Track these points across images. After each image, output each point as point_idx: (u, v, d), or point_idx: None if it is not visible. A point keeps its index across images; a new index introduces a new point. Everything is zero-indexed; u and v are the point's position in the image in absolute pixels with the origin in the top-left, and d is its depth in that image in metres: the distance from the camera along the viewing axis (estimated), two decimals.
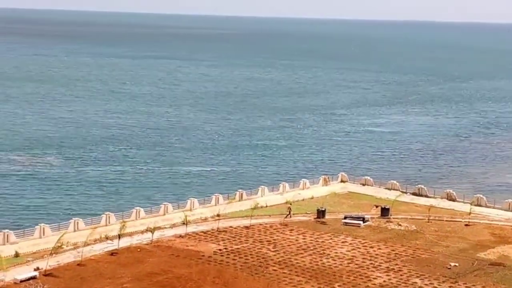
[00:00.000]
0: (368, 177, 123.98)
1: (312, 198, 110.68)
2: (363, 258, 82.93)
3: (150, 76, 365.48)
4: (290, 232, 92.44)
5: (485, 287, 75.44)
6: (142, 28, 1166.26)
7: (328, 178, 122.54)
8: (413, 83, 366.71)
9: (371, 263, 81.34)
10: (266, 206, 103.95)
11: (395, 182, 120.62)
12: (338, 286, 74.25)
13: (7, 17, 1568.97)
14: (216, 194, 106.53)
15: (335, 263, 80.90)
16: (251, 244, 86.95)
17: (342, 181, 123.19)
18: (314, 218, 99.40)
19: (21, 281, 72.08)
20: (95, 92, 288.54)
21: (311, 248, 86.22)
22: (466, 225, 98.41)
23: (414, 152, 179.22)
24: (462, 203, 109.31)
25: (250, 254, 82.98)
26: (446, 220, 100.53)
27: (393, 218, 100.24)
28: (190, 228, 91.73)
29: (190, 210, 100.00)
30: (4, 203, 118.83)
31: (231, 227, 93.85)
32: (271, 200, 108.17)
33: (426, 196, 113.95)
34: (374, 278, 76.62)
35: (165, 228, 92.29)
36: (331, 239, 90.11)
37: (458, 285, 75.59)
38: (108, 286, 72.33)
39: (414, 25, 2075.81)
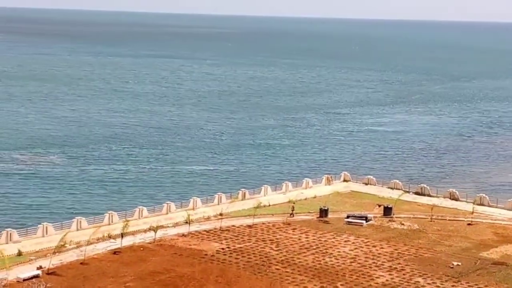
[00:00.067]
0: (371, 177, 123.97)
1: (315, 197, 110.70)
2: (366, 257, 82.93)
3: (153, 75, 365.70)
4: (293, 231, 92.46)
5: (487, 286, 75.37)
6: (141, 27, 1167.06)
7: (331, 177, 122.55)
8: (416, 83, 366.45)
9: (374, 262, 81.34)
10: (269, 205, 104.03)
11: (398, 181, 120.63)
12: (341, 285, 74.26)
13: (7, 16, 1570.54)
14: (219, 193, 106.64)
15: (337, 262, 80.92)
16: (254, 243, 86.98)
17: (345, 180, 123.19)
18: (317, 217, 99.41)
19: (24, 279, 72.20)
20: (97, 91, 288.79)
21: (314, 247, 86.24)
22: (469, 224, 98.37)
23: (417, 152, 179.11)
24: (465, 203, 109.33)
25: (253, 253, 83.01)
26: (449, 220, 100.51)
27: (396, 217, 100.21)
28: (193, 227, 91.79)
29: (193, 209, 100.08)
30: (7, 202, 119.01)
31: (234, 226, 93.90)
32: (274, 199, 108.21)
33: (429, 196, 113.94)
34: (376, 277, 76.62)
35: (168, 227, 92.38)
36: (333, 238, 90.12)
37: (461, 284, 75.55)
38: (111, 285, 72.40)
39: (415, 24, 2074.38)
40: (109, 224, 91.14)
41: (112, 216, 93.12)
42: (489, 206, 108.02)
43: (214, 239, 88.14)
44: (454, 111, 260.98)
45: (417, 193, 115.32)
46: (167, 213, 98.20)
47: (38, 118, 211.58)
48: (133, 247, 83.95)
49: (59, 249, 78.81)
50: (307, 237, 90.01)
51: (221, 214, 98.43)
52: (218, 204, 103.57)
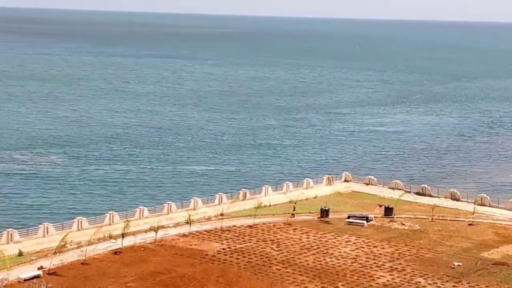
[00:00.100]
0: (372, 177, 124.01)
1: (315, 197, 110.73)
2: (367, 258, 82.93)
3: (154, 75, 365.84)
4: (294, 232, 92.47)
5: (488, 286, 75.36)
6: (142, 27, 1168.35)
7: (332, 177, 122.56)
8: (416, 83, 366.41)
9: (375, 263, 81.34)
10: (270, 206, 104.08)
11: (398, 181, 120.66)
12: (342, 285, 74.25)
13: (7, 16, 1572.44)
14: (219, 194, 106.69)
15: (338, 263, 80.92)
16: (254, 243, 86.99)
17: (345, 180, 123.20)
18: (318, 218, 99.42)
19: (25, 280, 72.28)
20: (98, 91, 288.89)
21: (315, 247, 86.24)
22: (469, 224, 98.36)
23: (418, 152, 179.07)
24: (466, 203, 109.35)
25: (254, 253, 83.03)
26: (450, 220, 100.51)
27: (397, 217, 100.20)
28: (194, 227, 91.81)
29: (194, 209, 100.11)
30: (8, 202, 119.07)
31: (234, 226, 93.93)
32: (275, 199, 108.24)
33: (430, 196, 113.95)
34: (377, 278, 76.62)
35: (169, 227, 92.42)
36: (334, 238, 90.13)
37: (462, 284, 75.55)
38: (112, 285, 72.42)
39: (415, 24, 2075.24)
40: (110, 224, 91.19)
41: (113, 216, 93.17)
42: (490, 206, 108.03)
43: (215, 239, 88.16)
44: (455, 111, 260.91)
45: (418, 193, 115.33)
46: (168, 213, 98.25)
47: (39, 118, 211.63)
48: (134, 247, 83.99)
49: (60, 249, 78.84)
50: (308, 237, 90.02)
51: (222, 214, 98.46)
52: (219, 204, 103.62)
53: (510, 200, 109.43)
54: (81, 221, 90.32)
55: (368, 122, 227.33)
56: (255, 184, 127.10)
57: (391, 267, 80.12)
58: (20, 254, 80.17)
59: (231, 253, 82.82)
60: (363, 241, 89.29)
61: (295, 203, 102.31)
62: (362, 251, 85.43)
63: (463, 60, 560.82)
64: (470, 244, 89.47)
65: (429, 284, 75.42)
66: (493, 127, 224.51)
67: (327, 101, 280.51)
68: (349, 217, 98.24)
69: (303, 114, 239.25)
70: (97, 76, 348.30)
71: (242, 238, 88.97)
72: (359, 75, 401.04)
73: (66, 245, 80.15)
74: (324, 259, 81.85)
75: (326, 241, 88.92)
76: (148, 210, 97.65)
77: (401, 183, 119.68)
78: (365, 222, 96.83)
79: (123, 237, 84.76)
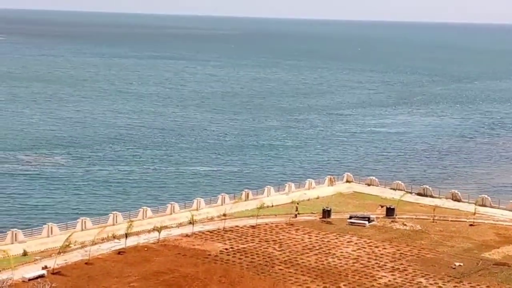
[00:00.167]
0: (374, 177, 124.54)
1: (317, 198, 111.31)
2: (368, 258, 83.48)
3: (157, 76, 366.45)
4: (296, 232, 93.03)
5: (489, 287, 75.89)
6: (145, 28, 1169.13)
7: (334, 178, 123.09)
8: (418, 84, 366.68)
9: (376, 263, 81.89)
10: (272, 206, 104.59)
11: (400, 182, 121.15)
12: (344, 285, 74.83)
13: (12, 18, 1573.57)
14: (222, 194, 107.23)
15: (340, 263, 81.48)
16: (257, 243, 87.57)
17: (347, 181, 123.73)
18: (320, 218, 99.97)
19: (30, 279, 72.86)
20: (102, 92, 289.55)
21: (317, 247, 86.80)
22: (471, 225, 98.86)
23: (419, 153, 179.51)
24: (467, 203, 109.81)
25: (256, 254, 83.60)
26: (451, 220, 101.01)
27: (398, 218, 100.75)
28: (197, 228, 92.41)
29: (197, 209, 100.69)
30: (12, 203, 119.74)
31: (237, 226, 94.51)
32: (277, 200, 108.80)
33: (431, 196, 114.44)
34: (379, 278, 77.17)
35: (172, 227, 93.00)
36: (336, 238, 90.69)
37: (463, 284, 76.06)
38: (115, 284, 73.03)
39: (415, 25, 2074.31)
40: (113, 225, 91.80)
41: (116, 216, 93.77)
42: (491, 207, 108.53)
43: (218, 239, 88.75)
44: (456, 112, 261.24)
45: (419, 194, 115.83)
46: (171, 214, 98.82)
47: (43, 119, 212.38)
48: (137, 247, 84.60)
49: (64, 249, 79.41)
50: (310, 238, 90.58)
51: (224, 215, 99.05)
52: (222, 204, 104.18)
53: (511, 201, 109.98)
54: (85, 221, 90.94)
55: (369, 123, 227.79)
56: (258, 184, 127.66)
57: (393, 267, 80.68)
58: (25, 254, 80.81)
59: (234, 253, 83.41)
60: (364, 241, 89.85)
61: (297, 204, 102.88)
62: (364, 251, 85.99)
63: (464, 61, 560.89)
64: (471, 244, 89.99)
65: (431, 284, 75.97)
66: (494, 128, 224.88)
67: (329, 102, 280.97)
68: (351, 218, 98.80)
69: (305, 115, 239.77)
70: (101, 77, 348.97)
71: (245, 238, 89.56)
72: (360, 76, 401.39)
73: (70, 245, 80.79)
74: (326, 259, 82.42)
75: (328, 241, 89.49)
76: (151, 211, 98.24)
77: (402, 184, 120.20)
78: (366, 222, 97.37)
79: (126, 237, 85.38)
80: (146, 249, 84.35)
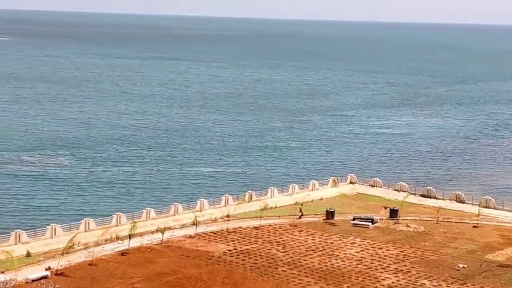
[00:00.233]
0: (377, 179, 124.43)
1: (321, 199, 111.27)
2: (372, 259, 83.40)
3: (160, 77, 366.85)
4: (299, 233, 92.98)
5: None
6: (148, 29, 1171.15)
7: (337, 179, 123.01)
8: (422, 85, 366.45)
9: (380, 264, 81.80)
10: (276, 207, 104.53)
11: (404, 183, 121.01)
12: (347, 287, 74.74)
13: (15, 18, 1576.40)
14: (225, 195, 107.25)
15: (344, 264, 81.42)
16: (260, 244, 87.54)
17: (351, 182, 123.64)
18: (323, 219, 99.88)
19: (33, 280, 72.93)
20: (105, 93, 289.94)
21: (320, 249, 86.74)
22: (474, 226, 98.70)
23: (423, 154, 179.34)
24: (471, 205, 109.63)
25: (260, 255, 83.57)
26: (455, 222, 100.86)
27: (402, 219, 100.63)
28: (200, 229, 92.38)
29: (200, 210, 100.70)
30: (16, 203, 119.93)
31: (240, 227, 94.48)
32: (281, 201, 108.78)
33: (435, 198, 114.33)
34: (382, 279, 77.07)
35: (175, 228, 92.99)
36: (340, 240, 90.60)
37: (467, 286, 75.97)
38: (119, 286, 73.05)
39: (418, 26, 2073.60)
40: (117, 226, 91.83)
41: (120, 217, 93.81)
42: (495, 208, 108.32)
43: (221, 240, 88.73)
44: (460, 113, 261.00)
45: (423, 196, 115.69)
46: (174, 215, 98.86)
47: (47, 120, 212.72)
48: (140, 248, 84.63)
49: (68, 250, 79.42)
50: (313, 239, 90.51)
51: (228, 216, 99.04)
52: (225, 205, 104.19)
53: None
54: (88, 222, 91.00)
55: (373, 124, 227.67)
56: (261, 185, 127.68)
57: (396, 269, 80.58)
58: (28, 255, 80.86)
59: (237, 255, 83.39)
60: (368, 243, 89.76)
61: (301, 205, 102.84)
62: (367, 252, 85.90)
63: (467, 62, 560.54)
64: (475, 246, 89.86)
65: (434, 286, 75.86)
66: (498, 129, 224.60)
67: (333, 103, 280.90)
68: (354, 219, 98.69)
69: (308, 116, 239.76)
70: (104, 78, 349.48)
71: (248, 239, 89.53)
72: (364, 77, 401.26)
73: (74, 246, 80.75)
74: (330, 261, 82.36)
75: (331, 242, 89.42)
76: (155, 212, 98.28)
77: (406, 185, 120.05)
78: (370, 224, 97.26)
79: (130, 238, 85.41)
80: (149, 250, 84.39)
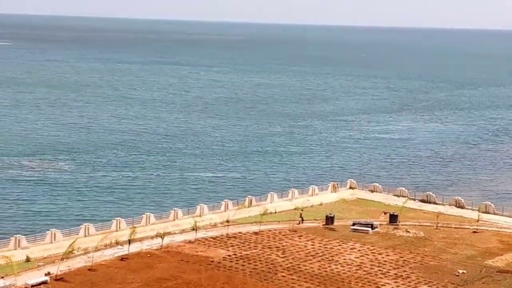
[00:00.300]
0: (377, 184, 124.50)
1: (321, 204, 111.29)
2: (372, 265, 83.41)
3: (160, 82, 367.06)
4: (299, 238, 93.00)
5: None
6: (148, 34, 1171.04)
7: (337, 184, 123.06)
8: (422, 90, 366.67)
9: (380, 270, 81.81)
10: (275, 212, 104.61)
11: (403, 189, 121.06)
12: None
13: (17, 23, 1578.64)
14: (225, 200, 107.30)
15: (343, 270, 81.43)
16: (260, 250, 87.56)
17: (351, 187, 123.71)
18: (323, 225, 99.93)
19: (32, 286, 72.94)
20: (106, 97, 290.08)
21: (320, 254, 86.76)
22: (474, 232, 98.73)
23: (422, 159, 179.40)
24: (471, 210, 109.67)
25: (259, 260, 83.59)
26: (455, 227, 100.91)
27: (402, 225, 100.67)
28: (200, 234, 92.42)
29: (200, 216, 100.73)
30: (15, 208, 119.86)
31: (240, 233, 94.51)
32: (280, 206, 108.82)
33: (435, 203, 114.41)
34: (382, 285, 77.10)
35: (175, 233, 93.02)
36: (339, 245, 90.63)
37: None
38: None
39: (418, 31, 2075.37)
40: (116, 231, 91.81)
41: (119, 222, 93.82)
42: (495, 214, 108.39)
43: (221, 246, 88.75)
44: (460, 118, 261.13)
45: (422, 201, 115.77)
46: (174, 220, 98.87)
47: (47, 125, 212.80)
48: (140, 254, 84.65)
49: (67, 255, 79.45)
50: (313, 244, 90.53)
51: (227, 221, 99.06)
52: (225, 211, 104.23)
53: None
54: (88, 227, 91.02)
55: (373, 129, 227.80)
56: (261, 191, 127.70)
57: (396, 274, 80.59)
58: (28, 260, 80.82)
59: (237, 260, 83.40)
60: (368, 248, 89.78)
61: (301, 210, 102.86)
62: (367, 258, 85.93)
63: (467, 67, 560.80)
64: (475, 251, 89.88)
65: None
66: (498, 135, 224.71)
67: (332, 108, 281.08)
68: (354, 224, 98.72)
69: (308, 121, 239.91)
70: (104, 83, 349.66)
71: (248, 244, 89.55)
72: (364, 82, 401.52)
73: (73, 251, 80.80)
74: (329, 266, 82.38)
75: (331, 248, 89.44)
76: (155, 217, 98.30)
77: (406, 190, 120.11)
78: (370, 229, 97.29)
79: (129, 243, 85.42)
80: (149, 255, 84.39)
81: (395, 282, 78.12)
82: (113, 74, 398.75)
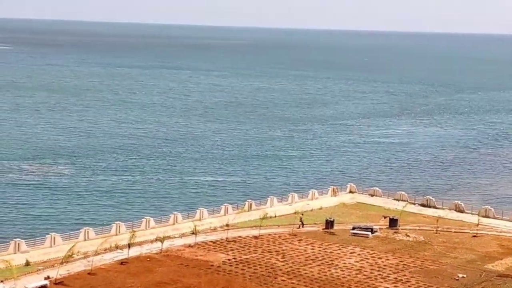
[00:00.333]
0: (377, 188, 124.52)
1: (321, 208, 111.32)
2: (371, 269, 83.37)
3: (160, 86, 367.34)
4: (299, 242, 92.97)
5: None
6: (149, 38, 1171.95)
7: (337, 188, 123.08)
8: (421, 94, 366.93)
9: (379, 274, 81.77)
10: (275, 216, 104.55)
11: (403, 193, 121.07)
12: None
13: (16, 27, 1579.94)
14: (225, 204, 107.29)
15: (343, 274, 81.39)
16: (260, 254, 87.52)
17: (350, 191, 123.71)
18: (323, 229, 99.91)
19: None
20: (105, 101, 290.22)
21: (320, 258, 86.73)
22: (474, 236, 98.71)
23: (422, 163, 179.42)
24: (470, 215, 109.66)
25: (259, 264, 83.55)
26: (454, 231, 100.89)
27: (401, 229, 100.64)
28: (199, 238, 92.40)
29: (200, 220, 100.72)
30: (15, 212, 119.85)
31: (240, 237, 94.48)
32: (280, 210, 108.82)
33: (435, 207, 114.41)
34: None
35: (175, 237, 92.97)
36: (339, 249, 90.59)
37: None
38: None
39: (418, 36, 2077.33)
40: (116, 235, 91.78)
41: (119, 226, 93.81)
42: (494, 218, 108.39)
43: (221, 250, 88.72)
44: (459, 123, 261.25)
45: (422, 205, 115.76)
46: (174, 224, 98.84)
47: (47, 129, 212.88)
48: (140, 258, 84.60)
49: (67, 259, 79.38)
50: (313, 249, 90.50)
51: (227, 225, 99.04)
52: (225, 215, 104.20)
53: None
54: (88, 231, 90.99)
55: (373, 134, 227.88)
56: (261, 195, 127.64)
57: (396, 278, 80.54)
58: (27, 264, 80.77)
59: (237, 264, 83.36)
60: (367, 252, 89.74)
61: (302, 214, 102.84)
62: (367, 262, 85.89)
63: (467, 71, 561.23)
64: (475, 256, 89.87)
65: None
66: (497, 139, 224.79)
67: (332, 112, 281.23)
68: (354, 228, 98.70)
69: (308, 125, 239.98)
70: (104, 87, 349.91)
71: (248, 249, 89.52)
72: (364, 86, 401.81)
73: (73, 255, 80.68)
74: (329, 270, 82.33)
75: (331, 252, 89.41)
76: (154, 221, 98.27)
77: (406, 194, 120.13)
78: (369, 233, 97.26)
79: (129, 247, 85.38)
80: (148, 259, 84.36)
81: (395, 286, 78.07)
82: (113, 79, 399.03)
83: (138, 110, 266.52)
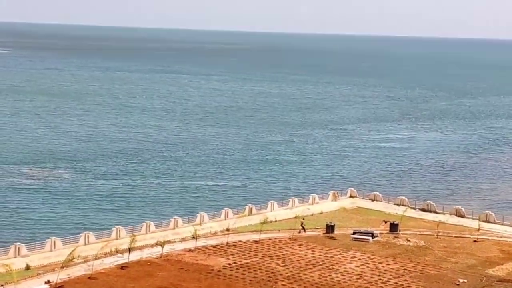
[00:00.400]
0: (377, 193, 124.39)
1: (321, 213, 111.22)
2: (372, 274, 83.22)
3: (161, 90, 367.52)
4: (299, 247, 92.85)
5: None
6: (149, 42, 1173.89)
7: (337, 193, 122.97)
8: (422, 99, 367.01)
9: (380, 279, 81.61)
10: (276, 221, 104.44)
11: (404, 197, 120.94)
12: None
13: (15, 31, 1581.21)
14: (225, 209, 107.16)
15: (344, 279, 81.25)
16: (260, 258, 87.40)
17: (351, 196, 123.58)
18: (323, 233, 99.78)
19: None
20: (106, 106, 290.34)
21: (320, 263, 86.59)
22: (474, 241, 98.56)
23: (423, 168, 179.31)
24: (471, 219, 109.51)
25: (259, 269, 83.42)
26: (455, 236, 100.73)
27: (402, 233, 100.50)
28: (200, 242, 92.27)
29: (200, 224, 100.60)
30: (15, 216, 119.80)
31: (240, 241, 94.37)
32: (281, 214, 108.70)
33: (435, 212, 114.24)
34: None
35: (175, 242, 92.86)
36: (340, 254, 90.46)
37: None
38: None
39: (419, 41, 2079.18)
40: (116, 239, 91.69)
41: (119, 230, 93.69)
42: (495, 223, 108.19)
43: (221, 254, 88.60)
44: (460, 127, 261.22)
45: (423, 210, 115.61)
46: (174, 228, 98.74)
47: (47, 133, 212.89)
48: (140, 262, 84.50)
49: (67, 263, 79.26)
50: (313, 253, 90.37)
51: (227, 230, 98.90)
52: (225, 219, 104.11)
53: None
54: (88, 236, 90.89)
55: (373, 138, 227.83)
56: (261, 199, 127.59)
57: (396, 283, 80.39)
58: (28, 268, 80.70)
59: (237, 269, 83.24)
60: (368, 257, 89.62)
61: (303, 219, 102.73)
62: (367, 267, 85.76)
63: (468, 76, 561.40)
64: (475, 260, 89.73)
65: None
66: (498, 144, 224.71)
67: (333, 117, 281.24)
68: (354, 233, 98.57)
69: (308, 130, 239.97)
70: (104, 91, 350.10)
71: (248, 253, 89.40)
72: (364, 91, 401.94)
73: (73, 259, 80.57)
74: (330, 275, 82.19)
75: (331, 257, 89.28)
76: (155, 225, 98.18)
77: (406, 199, 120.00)
78: (370, 238, 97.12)
79: (129, 251, 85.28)
80: (149, 263, 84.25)
81: None
82: (113, 83, 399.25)
83: (138, 114, 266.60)
